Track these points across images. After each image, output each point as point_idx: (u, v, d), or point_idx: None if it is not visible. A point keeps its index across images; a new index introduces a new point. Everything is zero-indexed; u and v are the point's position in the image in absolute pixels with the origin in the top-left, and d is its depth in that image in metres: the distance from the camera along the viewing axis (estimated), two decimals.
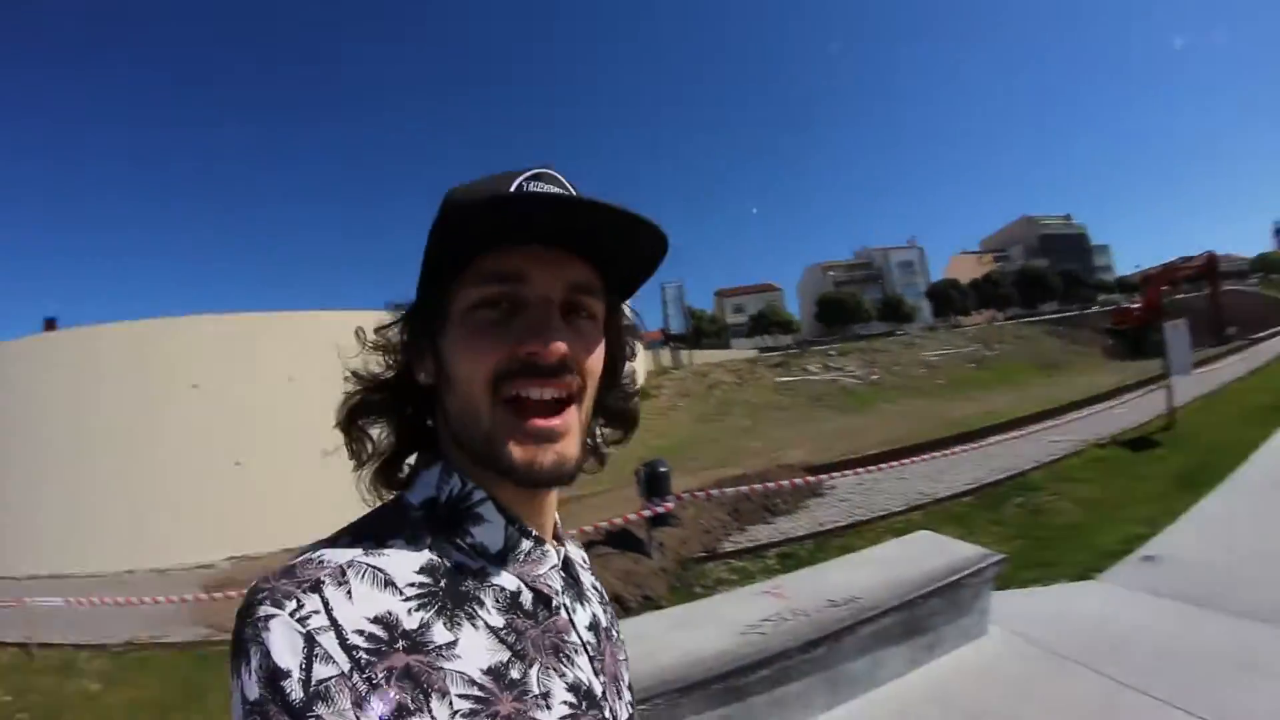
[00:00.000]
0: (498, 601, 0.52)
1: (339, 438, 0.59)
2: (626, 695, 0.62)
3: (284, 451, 13.79)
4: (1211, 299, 34.99)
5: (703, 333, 55.83)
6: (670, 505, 7.10)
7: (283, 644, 0.42)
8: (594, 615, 0.61)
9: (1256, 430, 8.26)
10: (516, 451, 0.51)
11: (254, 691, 0.41)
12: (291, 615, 0.43)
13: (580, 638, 0.57)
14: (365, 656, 0.43)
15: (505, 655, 0.49)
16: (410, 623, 0.46)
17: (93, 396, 14.85)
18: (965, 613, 3.33)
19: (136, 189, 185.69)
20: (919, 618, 3.13)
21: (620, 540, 7.16)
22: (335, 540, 0.50)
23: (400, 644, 0.45)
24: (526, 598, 0.54)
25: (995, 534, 6.47)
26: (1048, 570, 5.04)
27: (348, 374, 0.59)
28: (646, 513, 6.92)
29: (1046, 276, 59.94)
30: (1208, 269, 36.41)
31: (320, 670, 0.41)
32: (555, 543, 0.60)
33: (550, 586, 0.56)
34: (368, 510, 0.57)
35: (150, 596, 8.27)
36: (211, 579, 11.60)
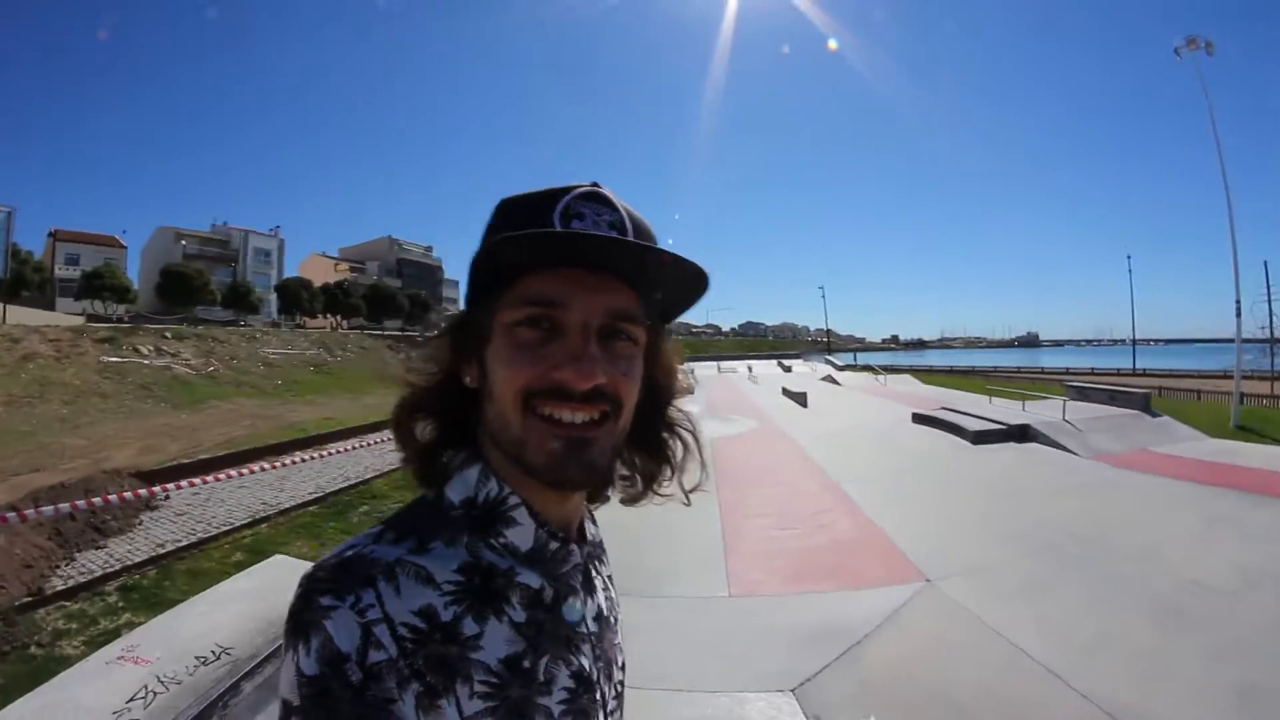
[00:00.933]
0: (522, 598, 0.57)
1: None
2: (617, 675, 0.68)
3: None
4: None
5: (25, 283, 41.12)
6: None
7: (344, 632, 0.49)
8: (599, 606, 0.67)
9: None
10: (543, 457, 0.55)
11: (313, 668, 0.48)
12: (352, 608, 0.49)
13: (588, 628, 0.63)
14: (409, 645, 0.50)
15: (522, 647, 0.55)
16: (446, 616, 0.53)
17: None
18: None
19: None
20: None
21: None
22: (383, 535, 0.56)
23: (437, 635, 0.52)
24: (548, 594, 0.59)
25: None
26: None
27: (403, 379, 0.63)
28: None
29: (397, 296, 61.31)
30: None
31: (374, 655, 0.49)
32: (580, 540, 0.64)
33: (569, 585, 0.62)
34: (411, 502, 0.61)
35: None
36: None
